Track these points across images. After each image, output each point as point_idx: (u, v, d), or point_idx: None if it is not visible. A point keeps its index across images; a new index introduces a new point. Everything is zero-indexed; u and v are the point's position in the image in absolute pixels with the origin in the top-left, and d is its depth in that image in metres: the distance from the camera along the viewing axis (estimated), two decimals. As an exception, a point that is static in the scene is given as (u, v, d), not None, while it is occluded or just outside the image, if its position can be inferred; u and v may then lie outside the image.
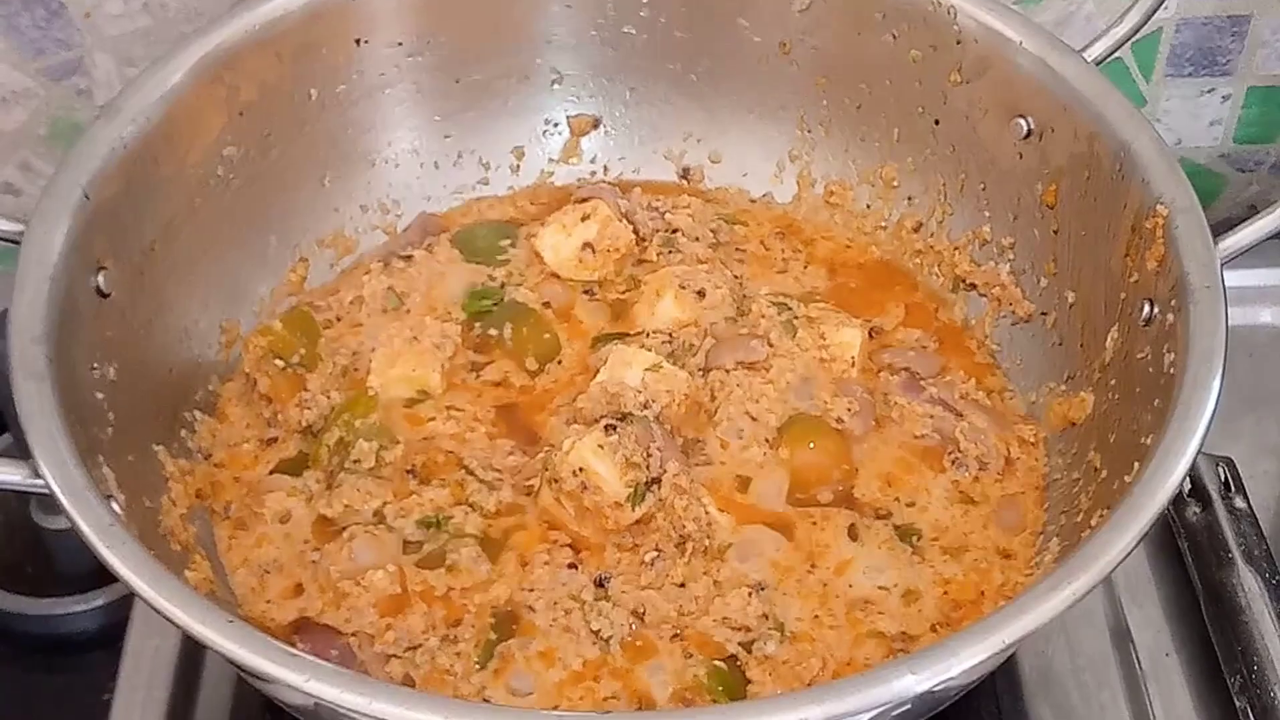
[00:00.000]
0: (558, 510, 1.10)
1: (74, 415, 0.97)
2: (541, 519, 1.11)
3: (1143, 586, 1.24)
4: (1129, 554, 0.89)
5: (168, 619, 0.87)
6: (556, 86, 1.35)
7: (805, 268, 1.30)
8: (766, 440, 1.15)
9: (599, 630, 1.04)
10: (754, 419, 1.16)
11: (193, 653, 1.15)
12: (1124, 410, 1.06)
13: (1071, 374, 1.16)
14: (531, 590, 1.06)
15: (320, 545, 1.09)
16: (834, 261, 1.31)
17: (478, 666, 1.02)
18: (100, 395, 1.04)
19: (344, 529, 1.09)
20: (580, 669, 1.03)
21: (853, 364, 1.19)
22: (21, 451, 0.94)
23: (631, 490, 1.09)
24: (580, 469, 1.09)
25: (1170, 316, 1.02)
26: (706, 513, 1.10)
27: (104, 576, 1.19)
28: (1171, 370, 1.00)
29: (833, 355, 1.19)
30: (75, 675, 1.23)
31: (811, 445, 1.15)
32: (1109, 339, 1.11)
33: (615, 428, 1.10)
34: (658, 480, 1.10)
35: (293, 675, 0.82)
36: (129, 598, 1.19)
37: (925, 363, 1.21)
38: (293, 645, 1.01)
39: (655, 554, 1.08)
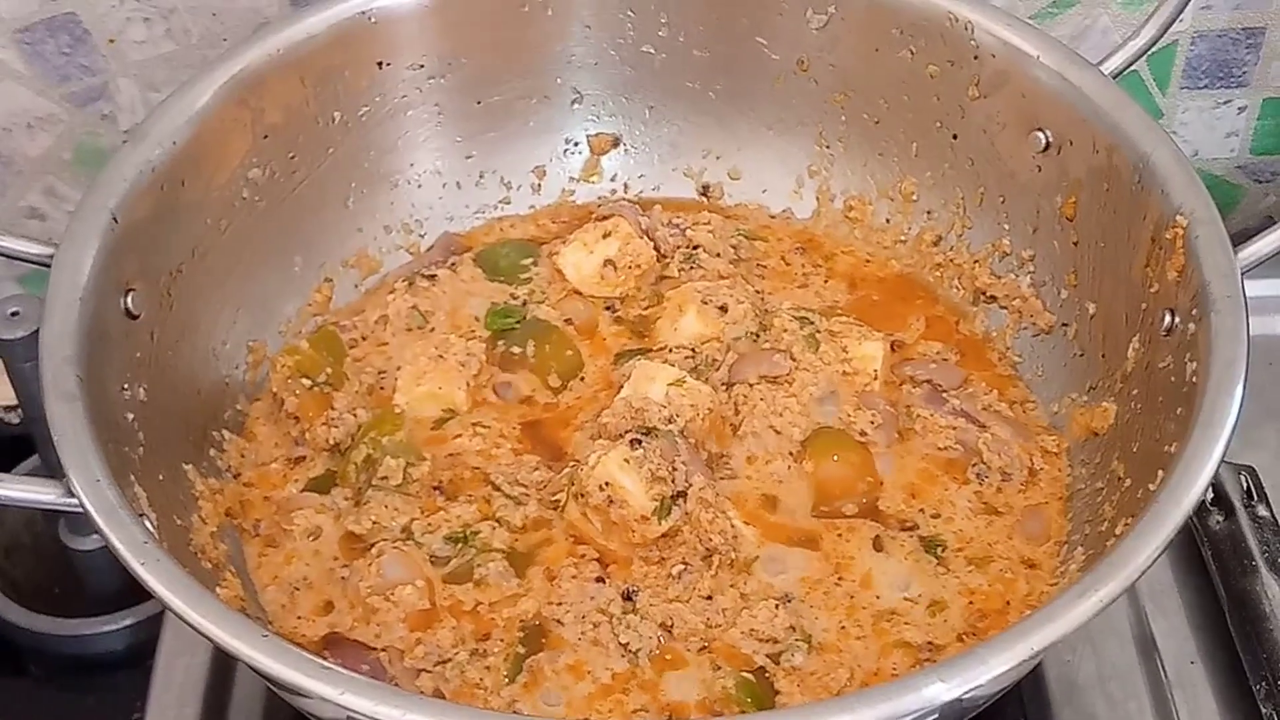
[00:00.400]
0: (584, 525, 1.11)
1: (105, 435, 0.98)
2: (568, 533, 1.12)
3: (1167, 596, 1.24)
4: (1154, 561, 0.90)
5: (203, 634, 0.87)
6: (577, 106, 1.36)
7: (826, 282, 1.31)
8: (791, 454, 1.16)
9: (627, 643, 1.05)
10: (778, 432, 1.17)
11: (223, 671, 1.16)
12: (1147, 420, 1.07)
13: (1093, 384, 1.16)
14: (559, 604, 1.07)
15: (349, 562, 1.10)
16: (854, 276, 1.32)
17: (507, 680, 1.03)
18: (130, 415, 1.05)
19: (372, 545, 1.10)
20: (609, 681, 1.04)
21: (875, 377, 1.20)
22: (52, 471, 0.95)
23: (657, 504, 1.09)
24: (606, 483, 1.09)
25: (1191, 326, 1.03)
26: (732, 526, 1.11)
27: (132, 597, 1.23)
28: (1194, 379, 1.00)
29: (855, 368, 1.20)
30: (104, 695, 1.24)
31: (835, 458, 1.16)
32: (1130, 349, 1.11)
33: (640, 442, 1.11)
34: (683, 494, 1.11)
35: (327, 689, 0.83)
36: (157, 617, 1.20)
37: (947, 375, 1.22)
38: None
39: (682, 567, 1.09)
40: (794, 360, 1.20)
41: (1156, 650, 1.19)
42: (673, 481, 1.10)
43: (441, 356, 1.21)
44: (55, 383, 0.97)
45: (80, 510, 0.93)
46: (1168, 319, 1.07)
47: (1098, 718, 1.16)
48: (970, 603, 1.09)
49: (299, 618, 1.08)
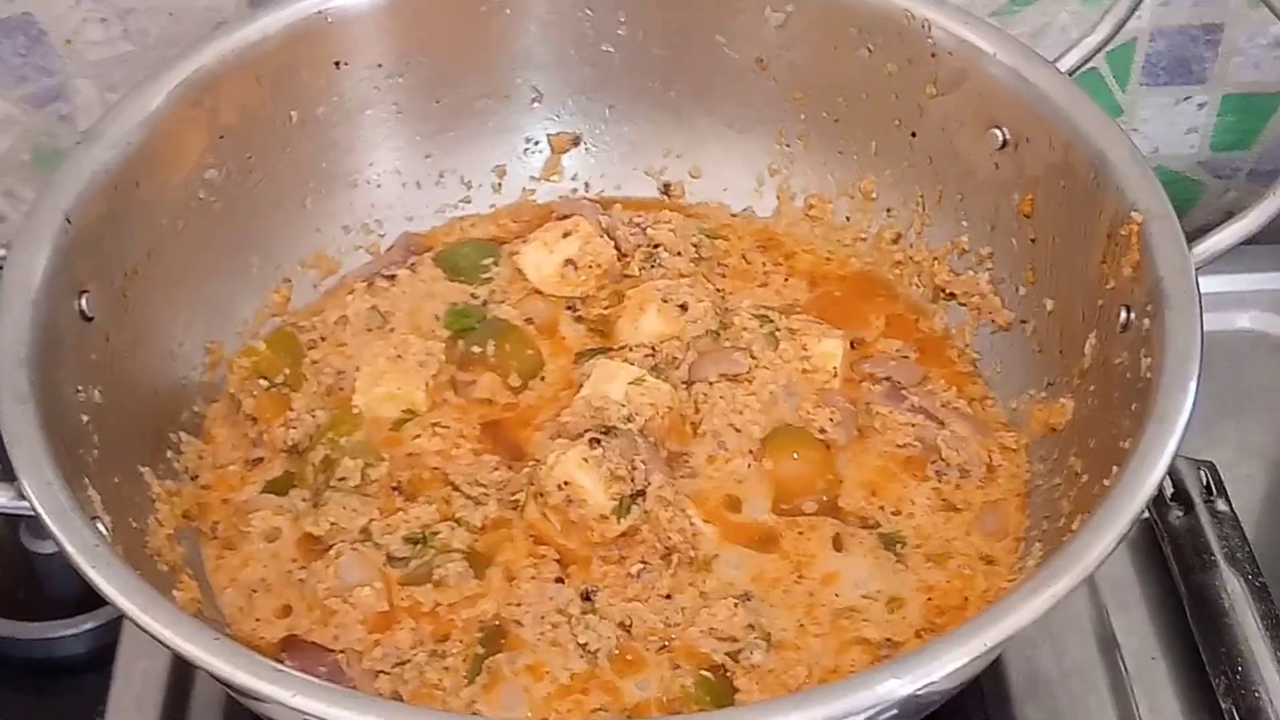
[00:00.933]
0: (544, 524, 1.11)
1: (59, 438, 0.97)
2: (528, 533, 1.11)
3: (1127, 591, 1.24)
4: (1109, 555, 0.90)
5: (155, 638, 0.87)
6: (536, 105, 1.35)
7: (786, 280, 1.31)
8: (750, 451, 1.16)
9: (586, 643, 1.04)
10: (738, 430, 1.17)
11: (183, 675, 1.16)
12: (1103, 415, 1.07)
13: (1051, 380, 1.16)
14: (519, 605, 1.07)
15: (307, 564, 1.10)
16: (815, 274, 1.32)
17: (466, 681, 1.03)
18: (85, 418, 1.04)
19: (330, 547, 1.10)
20: (568, 682, 1.04)
21: (835, 374, 1.20)
22: (5, 474, 0.95)
23: (616, 503, 1.09)
24: (565, 483, 1.09)
25: (1147, 322, 1.03)
26: (691, 524, 1.11)
27: (93, 600, 1.21)
28: (1149, 375, 1.01)
29: (815, 366, 1.20)
30: (65, 698, 1.22)
31: (795, 455, 1.16)
32: (1088, 345, 1.12)
33: (599, 441, 1.11)
34: (642, 493, 1.11)
35: (280, 691, 0.83)
36: (118, 621, 1.20)
37: (906, 372, 1.22)
38: (281, 663, 1.03)
39: (641, 566, 1.08)
40: (754, 358, 1.20)
41: (1117, 646, 1.19)
42: (632, 480, 1.10)
43: (400, 356, 1.21)
44: (7, 385, 0.97)
45: (31, 513, 0.92)
46: (1124, 315, 1.07)
47: (1059, 713, 1.16)
48: (929, 599, 1.09)
49: (257, 620, 1.08)
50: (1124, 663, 1.18)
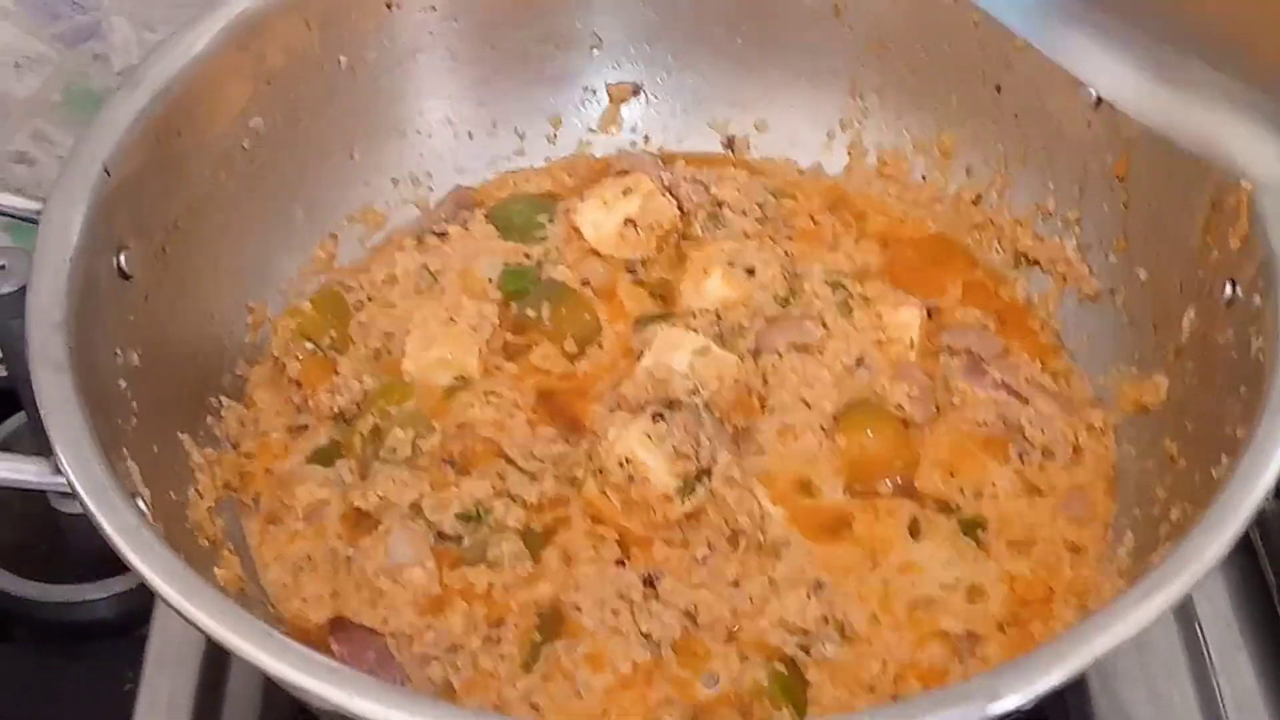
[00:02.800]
0: (603, 503, 1.05)
1: (96, 406, 0.92)
2: (586, 512, 1.06)
3: (1211, 578, 1.17)
4: (1226, 554, 0.84)
5: (198, 627, 0.81)
6: (596, 52, 1.29)
7: (857, 243, 1.24)
8: (822, 428, 1.10)
9: (649, 632, 0.99)
10: (809, 405, 1.11)
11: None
12: (1204, 396, 1.01)
13: (1143, 356, 1.10)
14: (577, 588, 1.01)
15: (354, 540, 1.04)
16: (887, 236, 1.25)
17: (523, 670, 0.97)
18: (123, 383, 0.99)
19: (379, 523, 1.04)
20: (629, 673, 0.98)
21: (911, 346, 1.14)
22: (38, 438, 0.89)
23: (681, 482, 1.04)
24: (627, 459, 1.04)
25: (1257, 299, 0.96)
26: (760, 506, 1.05)
27: (121, 563, 1.17)
28: (1260, 358, 0.94)
29: (890, 336, 1.14)
30: (94, 663, 1.19)
31: (870, 433, 1.10)
32: (1185, 320, 1.05)
33: (663, 416, 1.05)
34: (708, 471, 1.05)
35: (337, 692, 0.77)
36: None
37: (987, 344, 1.15)
38: (328, 646, 0.98)
39: (707, 551, 1.03)
40: (825, 327, 1.14)
41: (1201, 635, 1.13)
42: (697, 458, 1.04)
43: (452, 320, 1.15)
44: (43, 351, 0.91)
45: (68, 490, 0.86)
46: (1229, 289, 1.00)
47: (1138, 706, 1.10)
48: (1011, 590, 1.03)
49: (303, 600, 1.03)
50: (1209, 652, 1.12)
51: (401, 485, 1.06)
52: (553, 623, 1.00)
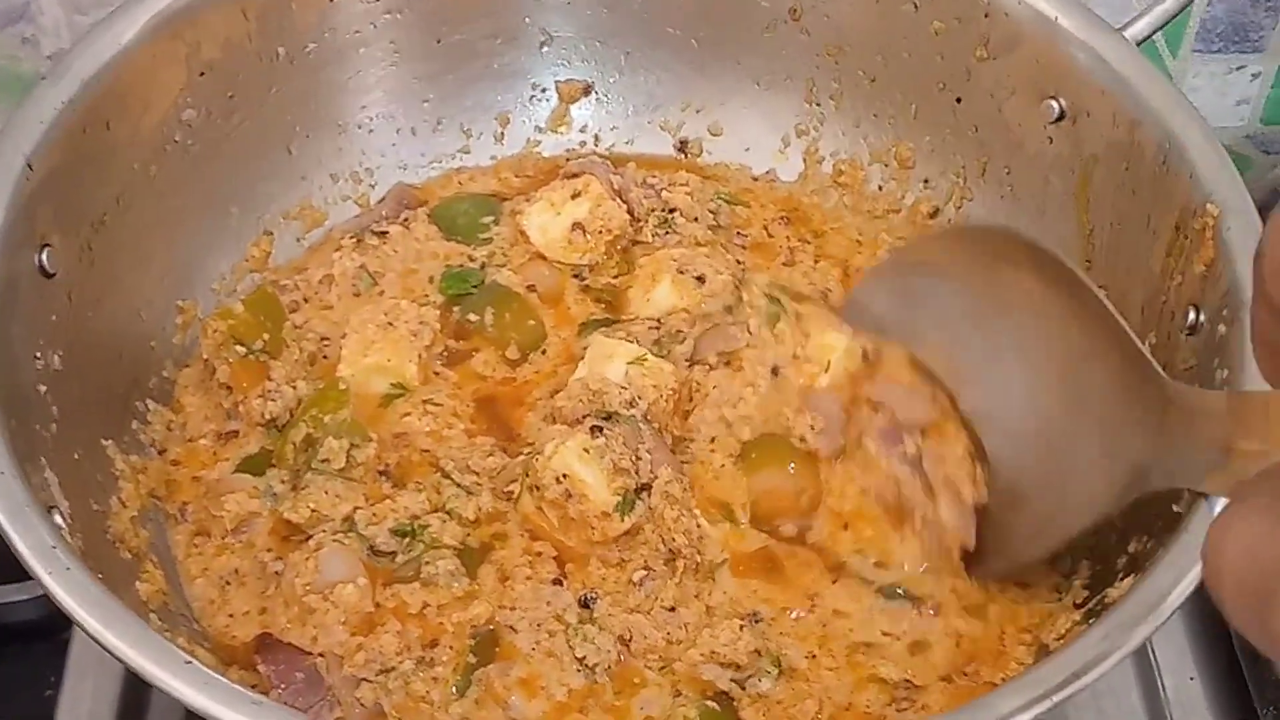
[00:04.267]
0: (540, 519, 1.01)
1: (13, 413, 0.88)
2: (523, 528, 1.02)
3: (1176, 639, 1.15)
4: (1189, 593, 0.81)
5: (114, 655, 0.77)
6: (546, 49, 1.25)
7: (816, 264, 1.20)
8: (731, 455, 1.05)
9: (584, 657, 0.95)
10: (728, 425, 1.06)
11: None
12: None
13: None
14: (513, 609, 0.98)
15: (284, 553, 1.00)
16: (848, 262, 1.21)
17: (456, 695, 0.94)
18: (43, 388, 0.94)
19: (310, 536, 1.00)
20: (565, 699, 0.94)
21: (827, 369, 1.06)
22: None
23: (620, 498, 1.00)
24: (564, 475, 1.00)
25: (1221, 328, 0.94)
26: (698, 525, 1.01)
27: None
28: (1225, 387, 0.91)
29: (809, 355, 1.07)
30: (15, 666, 1.14)
31: (769, 468, 1.04)
32: (1146, 345, 1.01)
33: (602, 429, 1.01)
34: (648, 487, 1.01)
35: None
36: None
37: (915, 409, 1.04)
38: (254, 666, 0.94)
39: (644, 572, 0.99)
40: (750, 334, 1.08)
41: (1155, 665, 1.11)
42: (636, 473, 1.00)
43: (391, 324, 1.10)
44: (-44, 356, 0.87)
45: (-21, 505, 0.82)
46: (1191, 315, 0.98)
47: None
48: (957, 645, 0.99)
49: (229, 616, 0.98)
50: (1162, 684, 1.10)
51: (334, 498, 1.01)
52: (488, 645, 0.96)
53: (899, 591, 1.00)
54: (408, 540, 1.00)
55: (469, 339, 1.13)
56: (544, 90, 1.27)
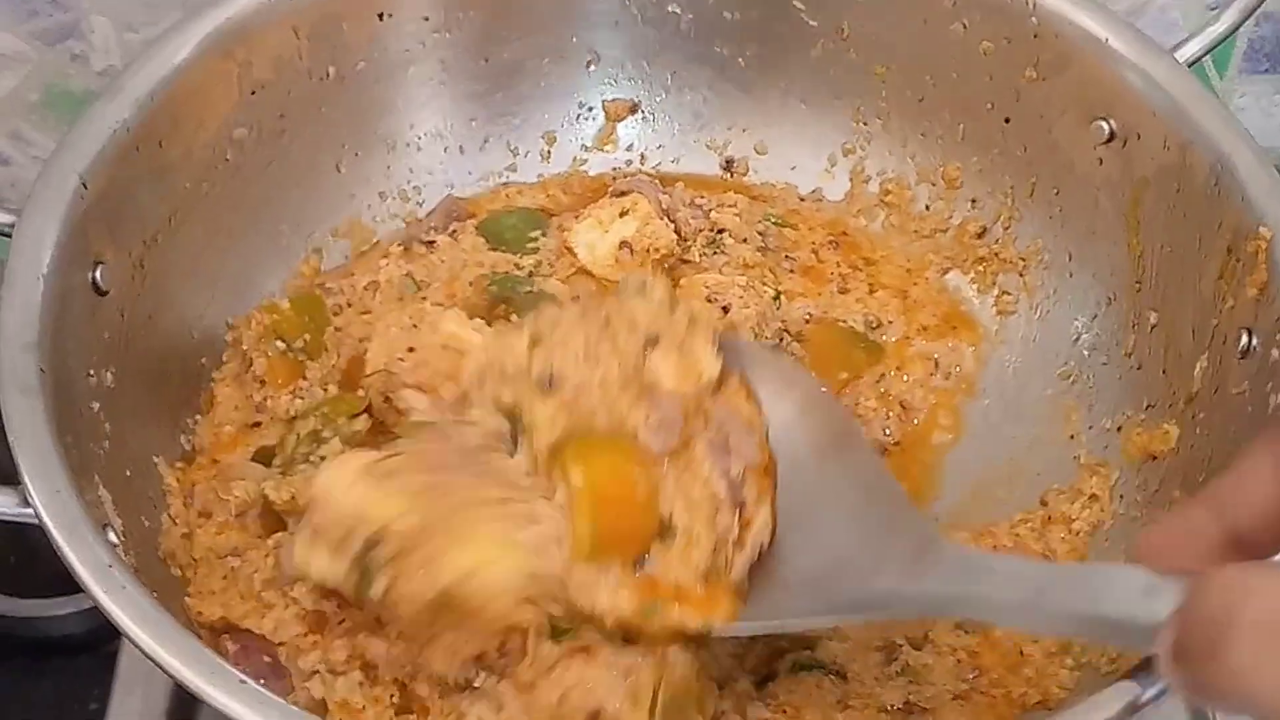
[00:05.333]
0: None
1: (68, 431, 0.88)
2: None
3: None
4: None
5: (169, 674, 0.78)
6: (593, 68, 1.25)
7: (872, 292, 1.20)
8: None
9: None
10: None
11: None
12: (1216, 448, 0.98)
13: (1151, 403, 1.06)
14: None
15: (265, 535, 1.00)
16: (906, 293, 1.20)
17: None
18: (96, 405, 0.95)
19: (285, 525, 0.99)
20: None
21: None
22: (6, 476, 0.85)
23: None
24: None
25: (1275, 351, 0.93)
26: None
27: None
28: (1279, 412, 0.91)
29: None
30: (60, 680, 1.16)
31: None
32: (1197, 368, 1.02)
33: None
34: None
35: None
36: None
37: (746, 442, 0.93)
38: (222, 645, 0.93)
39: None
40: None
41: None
42: None
43: (416, 326, 1.06)
44: (14, 374, 0.87)
45: (36, 523, 0.83)
46: (1244, 339, 0.97)
47: None
48: (958, 661, 0.98)
49: (199, 593, 0.97)
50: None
51: None
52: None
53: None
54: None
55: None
56: (590, 109, 1.27)
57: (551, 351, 0.92)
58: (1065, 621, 0.75)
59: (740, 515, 0.91)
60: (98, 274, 0.97)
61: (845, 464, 0.92)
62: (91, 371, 0.96)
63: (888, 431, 1.11)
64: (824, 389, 1.02)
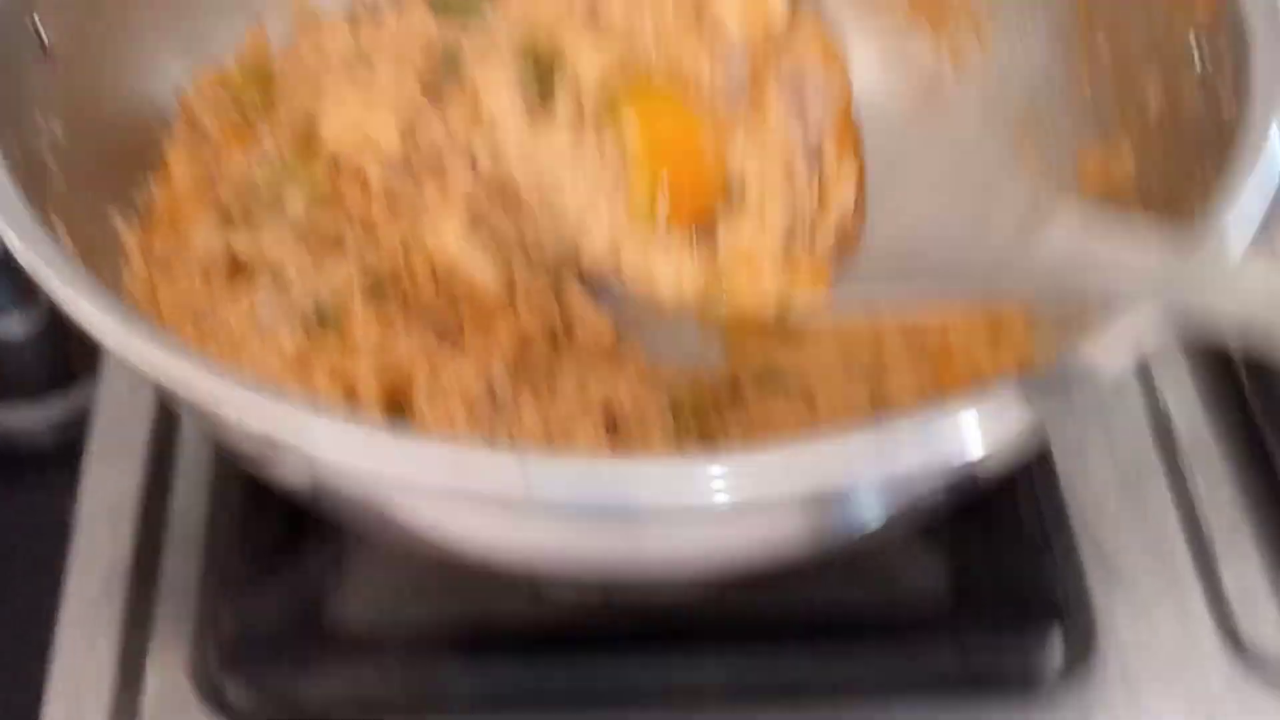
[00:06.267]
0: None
1: (21, 167, 0.87)
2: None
3: (1182, 383, 1.15)
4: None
5: (134, 365, 0.77)
6: None
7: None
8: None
9: None
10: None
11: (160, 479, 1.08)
12: (1173, 164, 0.97)
13: (1105, 128, 1.05)
14: None
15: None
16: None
17: None
18: (50, 160, 0.93)
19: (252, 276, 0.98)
20: None
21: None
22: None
23: None
24: None
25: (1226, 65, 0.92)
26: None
27: (61, 383, 1.14)
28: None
29: None
30: (30, 494, 1.14)
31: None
32: (1150, 88, 1.01)
33: None
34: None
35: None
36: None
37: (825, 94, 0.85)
38: None
39: None
40: None
41: (1172, 427, 1.11)
42: None
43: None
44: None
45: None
46: (1196, 55, 0.96)
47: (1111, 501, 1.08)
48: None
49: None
50: (1179, 446, 1.10)
51: (280, 245, 0.99)
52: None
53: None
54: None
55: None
56: None
57: None
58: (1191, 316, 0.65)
59: (820, 176, 0.83)
60: (37, 20, 0.95)
61: (937, 120, 0.85)
62: (41, 120, 0.94)
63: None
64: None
